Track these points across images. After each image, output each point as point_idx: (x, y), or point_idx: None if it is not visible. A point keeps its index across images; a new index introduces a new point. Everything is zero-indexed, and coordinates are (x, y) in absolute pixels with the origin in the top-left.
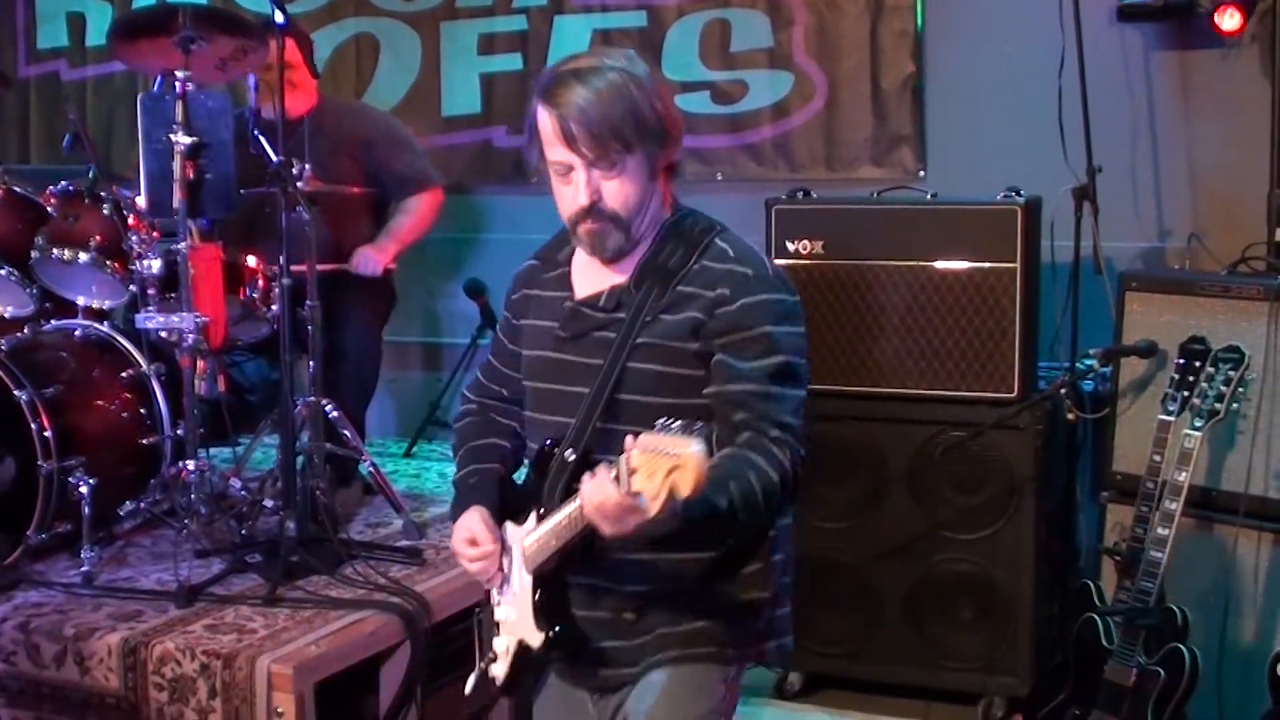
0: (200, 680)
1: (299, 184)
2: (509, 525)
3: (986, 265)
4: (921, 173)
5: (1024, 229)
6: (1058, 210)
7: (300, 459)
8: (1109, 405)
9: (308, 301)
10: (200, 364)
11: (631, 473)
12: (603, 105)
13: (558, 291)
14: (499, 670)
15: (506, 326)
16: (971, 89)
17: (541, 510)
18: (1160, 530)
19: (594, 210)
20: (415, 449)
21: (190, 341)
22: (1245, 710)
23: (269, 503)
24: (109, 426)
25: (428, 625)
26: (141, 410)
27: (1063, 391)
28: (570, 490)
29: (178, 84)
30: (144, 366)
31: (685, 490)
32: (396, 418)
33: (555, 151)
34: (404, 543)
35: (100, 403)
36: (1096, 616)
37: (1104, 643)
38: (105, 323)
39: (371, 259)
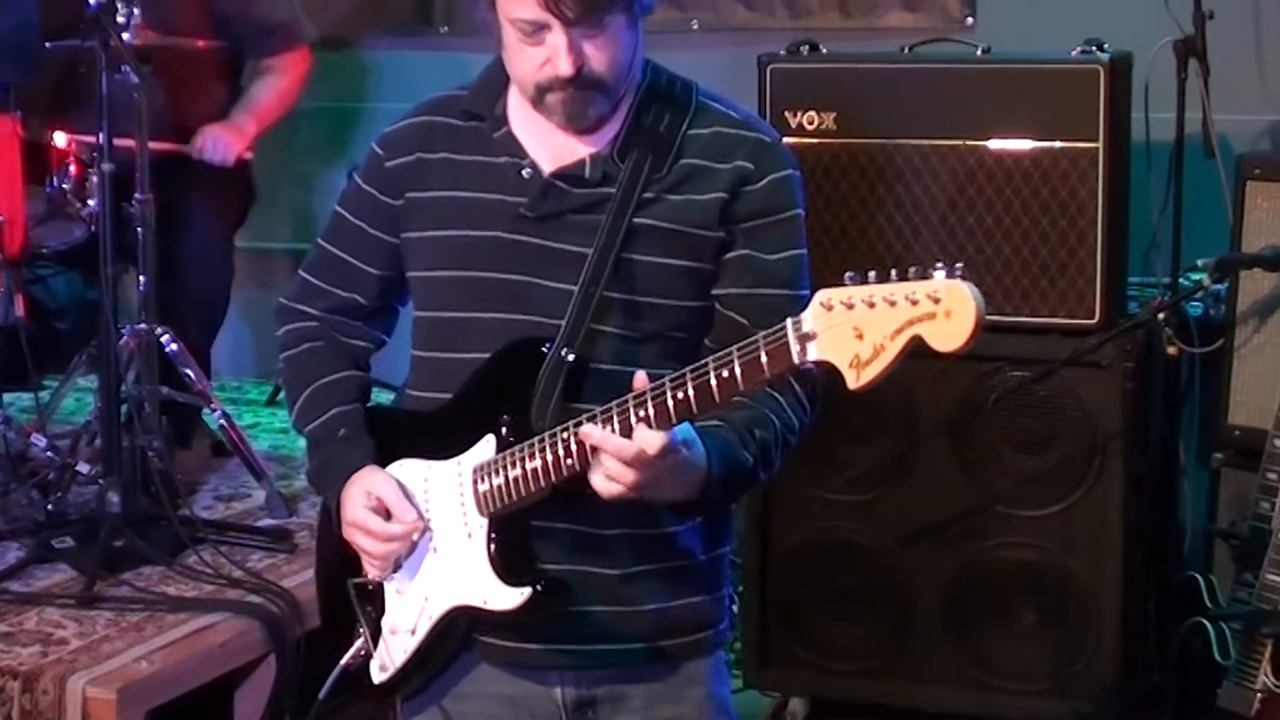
0: None
1: (125, 35)
2: (405, 464)
3: (1058, 145)
4: (970, 20)
5: (1109, 96)
6: (1154, 71)
7: (126, 408)
8: (1224, 336)
9: (136, 195)
10: None
11: (807, 339)
12: None
13: (503, 156)
14: (391, 657)
15: (371, 207)
16: None
17: (505, 427)
18: None
19: (577, 78)
20: (282, 395)
21: None
22: None
23: (84, 468)
24: None
25: (299, 633)
26: None
27: (1161, 317)
28: (571, 397)
29: None
30: None
31: (947, 346)
32: (256, 352)
33: (522, 9)
34: (267, 522)
35: None
36: (1207, 621)
37: (1217, 657)
38: None
39: (223, 141)
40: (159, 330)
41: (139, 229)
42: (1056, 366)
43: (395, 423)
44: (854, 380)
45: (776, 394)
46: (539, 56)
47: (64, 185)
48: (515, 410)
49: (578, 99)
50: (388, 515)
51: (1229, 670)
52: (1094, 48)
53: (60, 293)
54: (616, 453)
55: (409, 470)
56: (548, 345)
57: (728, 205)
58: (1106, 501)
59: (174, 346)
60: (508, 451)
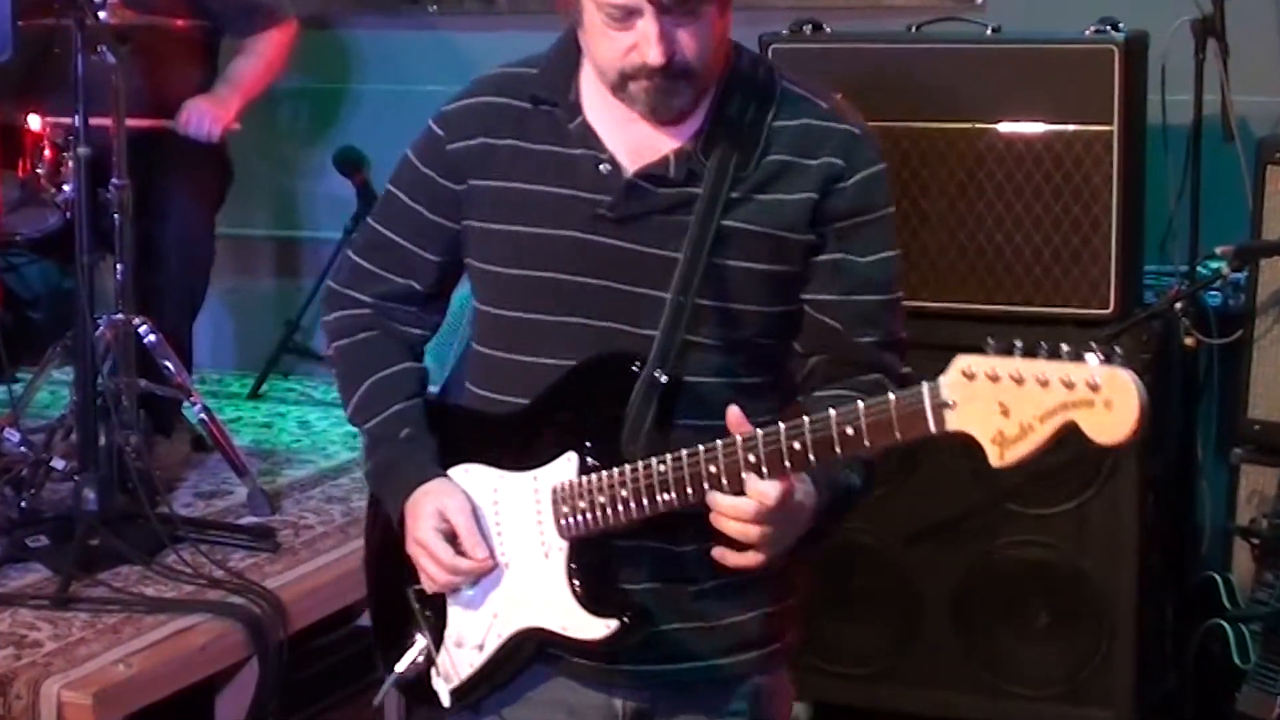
0: None
1: (102, 14)
2: (471, 469)
3: (1071, 128)
4: None
5: (1124, 78)
6: (1171, 51)
7: (103, 401)
8: (1244, 326)
9: (114, 180)
10: None
11: (944, 407)
12: None
13: (579, 148)
14: (455, 669)
15: (430, 190)
16: None
17: (590, 450)
18: None
19: (667, 68)
20: (265, 387)
21: None
22: None
23: (59, 463)
24: None
25: (282, 636)
26: None
27: (1179, 307)
28: (663, 418)
29: None
30: None
31: (1107, 439)
32: (237, 343)
33: None
34: (250, 520)
35: None
36: (1226, 623)
37: (1236, 660)
38: None
39: (207, 115)
40: (137, 321)
41: (116, 215)
42: None
43: (459, 423)
44: (997, 458)
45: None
46: (625, 41)
47: (38, 170)
48: (602, 431)
49: (663, 88)
50: (455, 539)
51: (1249, 674)
52: (1108, 27)
53: (35, 282)
54: (735, 514)
55: (475, 476)
56: (638, 364)
57: (818, 205)
58: (1121, 499)
59: (152, 338)
60: (593, 475)
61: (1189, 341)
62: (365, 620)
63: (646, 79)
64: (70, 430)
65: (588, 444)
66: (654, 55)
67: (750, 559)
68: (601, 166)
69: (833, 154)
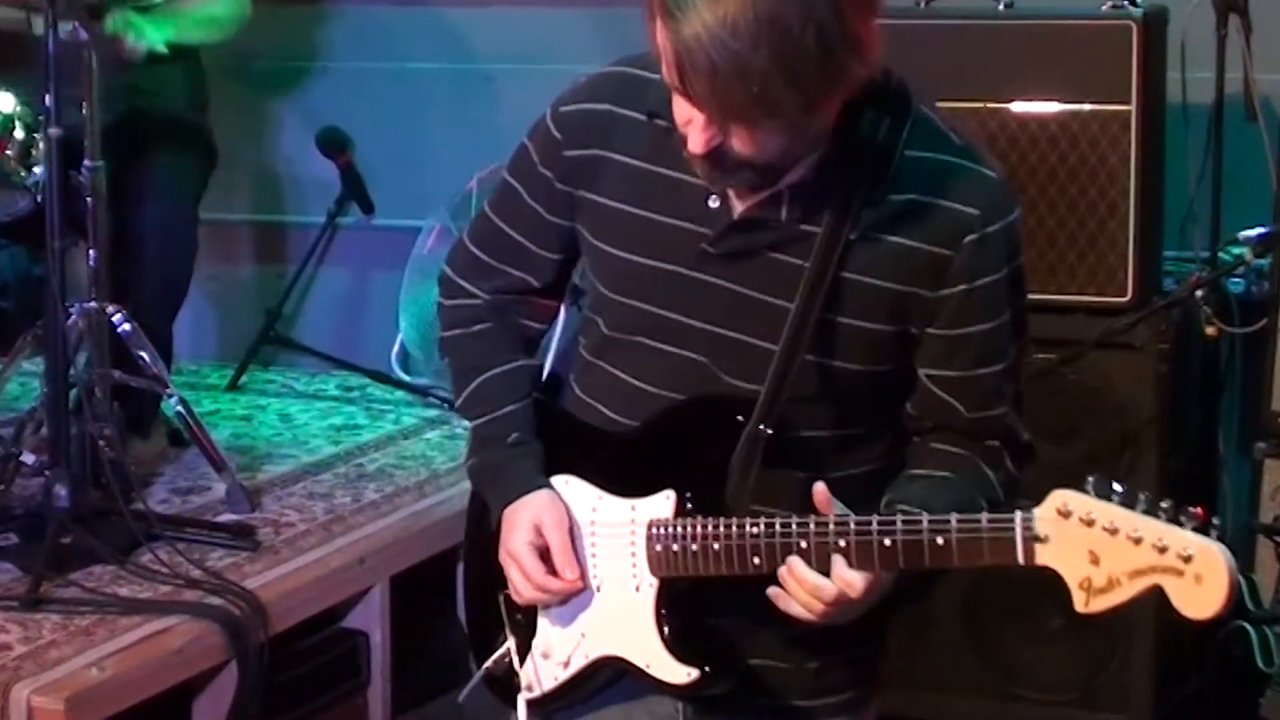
0: None
1: None
2: (572, 482)
3: (1088, 108)
4: None
5: (1142, 55)
6: (1191, 27)
7: (76, 393)
8: (1268, 315)
9: (86, 161)
10: None
11: (1036, 540)
12: (740, 50)
13: (692, 176)
14: (539, 680)
15: (547, 191)
16: None
17: (689, 494)
18: None
19: (710, 157)
20: (244, 379)
21: None
22: None
23: (29, 458)
24: None
25: (263, 638)
26: None
27: (1199, 294)
28: (770, 471)
29: None
30: None
31: (1193, 613)
32: (217, 333)
33: (668, 70)
34: (229, 517)
35: None
36: (1249, 625)
37: (1259, 663)
38: None
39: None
40: (111, 309)
41: (89, 199)
42: (1085, 348)
43: (566, 431)
44: (1082, 604)
45: (989, 469)
46: (685, 112)
47: (8, 151)
48: (700, 477)
49: (714, 170)
50: (548, 554)
51: (1273, 678)
52: (1126, 2)
53: (4, 268)
54: (815, 592)
55: (576, 490)
56: (742, 416)
57: (946, 261)
58: None
59: (127, 327)
60: (689, 519)
61: (1210, 331)
62: (349, 622)
63: (696, 158)
64: (41, 423)
65: (687, 487)
66: (693, 143)
67: (801, 613)
68: (711, 201)
69: (966, 203)
